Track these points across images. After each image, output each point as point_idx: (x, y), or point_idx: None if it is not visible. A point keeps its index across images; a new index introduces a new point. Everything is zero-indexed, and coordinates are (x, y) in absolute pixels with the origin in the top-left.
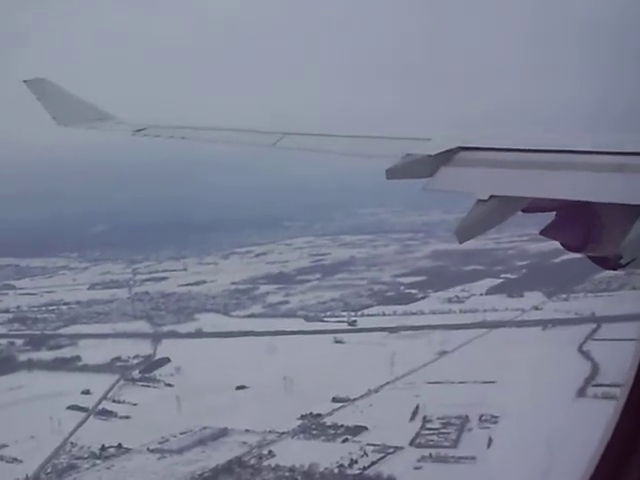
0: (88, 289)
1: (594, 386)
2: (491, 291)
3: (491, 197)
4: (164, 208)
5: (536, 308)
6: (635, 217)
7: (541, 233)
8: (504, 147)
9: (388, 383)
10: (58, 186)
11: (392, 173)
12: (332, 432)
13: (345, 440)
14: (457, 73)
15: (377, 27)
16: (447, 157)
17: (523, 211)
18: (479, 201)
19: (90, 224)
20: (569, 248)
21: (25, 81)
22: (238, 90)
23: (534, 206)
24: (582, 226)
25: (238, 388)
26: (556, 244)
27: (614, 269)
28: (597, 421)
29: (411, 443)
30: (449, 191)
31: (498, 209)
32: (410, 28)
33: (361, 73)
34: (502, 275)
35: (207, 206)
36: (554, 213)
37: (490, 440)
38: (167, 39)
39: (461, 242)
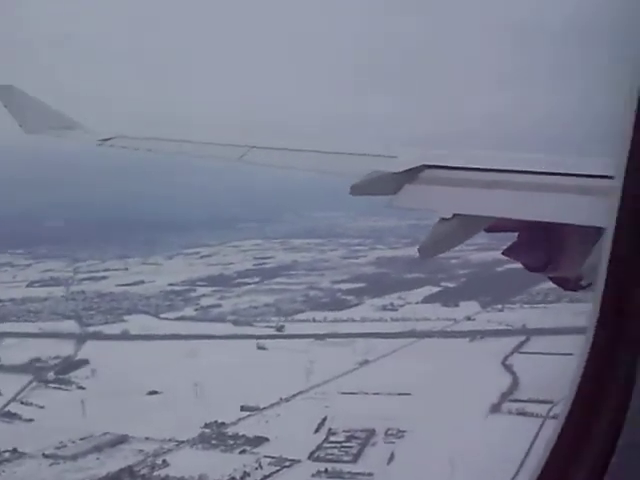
0: (26, 286)
1: (510, 401)
2: (427, 299)
3: (454, 216)
4: (119, 205)
5: (468, 318)
6: (596, 239)
7: (503, 253)
8: (468, 166)
9: (301, 392)
10: (12, 178)
11: (357, 189)
12: (232, 442)
13: (243, 451)
14: (432, 81)
15: (355, 29)
16: (412, 175)
17: (486, 230)
18: (442, 219)
19: (41, 220)
20: (530, 268)
21: None
22: (217, 92)
23: (497, 226)
24: (543, 247)
25: (150, 393)
26: (497, 255)
27: (575, 290)
28: (505, 438)
29: (310, 456)
30: (412, 209)
31: (461, 228)
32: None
33: (340, 76)
34: (442, 283)
35: (163, 205)
36: (516, 234)
37: (392, 456)
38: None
39: (423, 258)
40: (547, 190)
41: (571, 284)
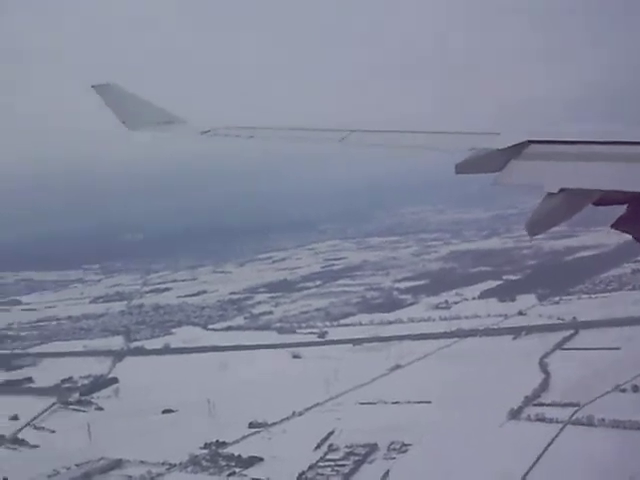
0: (90, 303)
1: (533, 406)
2: (484, 295)
3: (561, 190)
4: (200, 214)
5: (520, 313)
6: None
7: (612, 226)
8: (573, 140)
9: (318, 404)
10: (98, 196)
11: (462, 168)
12: (224, 464)
13: (232, 474)
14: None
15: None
16: (516, 151)
17: (594, 204)
18: (549, 194)
19: (119, 234)
20: None
21: (93, 86)
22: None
23: (605, 199)
24: None
25: (164, 412)
26: (570, 242)
27: None
28: (516, 448)
29: (299, 477)
30: (519, 185)
31: (568, 202)
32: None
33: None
34: (504, 277)
35: (246, 211)
36: (625, 206)
37: (386, 474)
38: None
39: (531, 236)
40: None
41: None
